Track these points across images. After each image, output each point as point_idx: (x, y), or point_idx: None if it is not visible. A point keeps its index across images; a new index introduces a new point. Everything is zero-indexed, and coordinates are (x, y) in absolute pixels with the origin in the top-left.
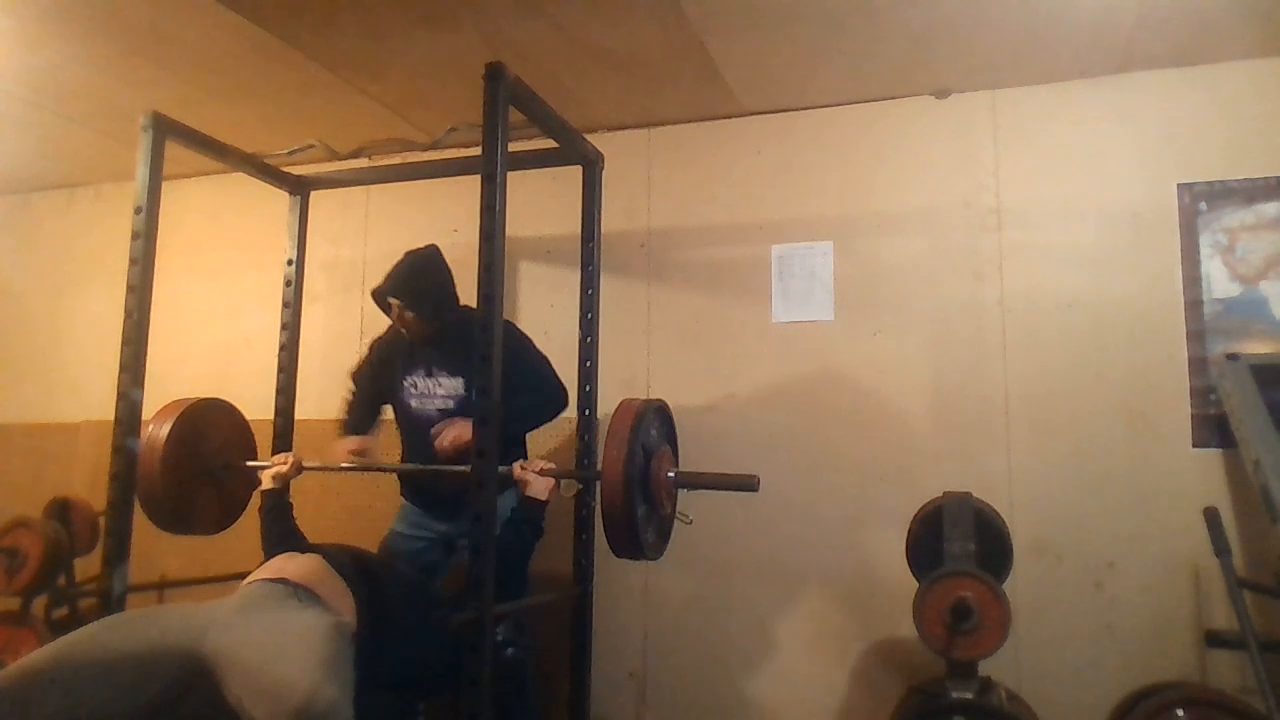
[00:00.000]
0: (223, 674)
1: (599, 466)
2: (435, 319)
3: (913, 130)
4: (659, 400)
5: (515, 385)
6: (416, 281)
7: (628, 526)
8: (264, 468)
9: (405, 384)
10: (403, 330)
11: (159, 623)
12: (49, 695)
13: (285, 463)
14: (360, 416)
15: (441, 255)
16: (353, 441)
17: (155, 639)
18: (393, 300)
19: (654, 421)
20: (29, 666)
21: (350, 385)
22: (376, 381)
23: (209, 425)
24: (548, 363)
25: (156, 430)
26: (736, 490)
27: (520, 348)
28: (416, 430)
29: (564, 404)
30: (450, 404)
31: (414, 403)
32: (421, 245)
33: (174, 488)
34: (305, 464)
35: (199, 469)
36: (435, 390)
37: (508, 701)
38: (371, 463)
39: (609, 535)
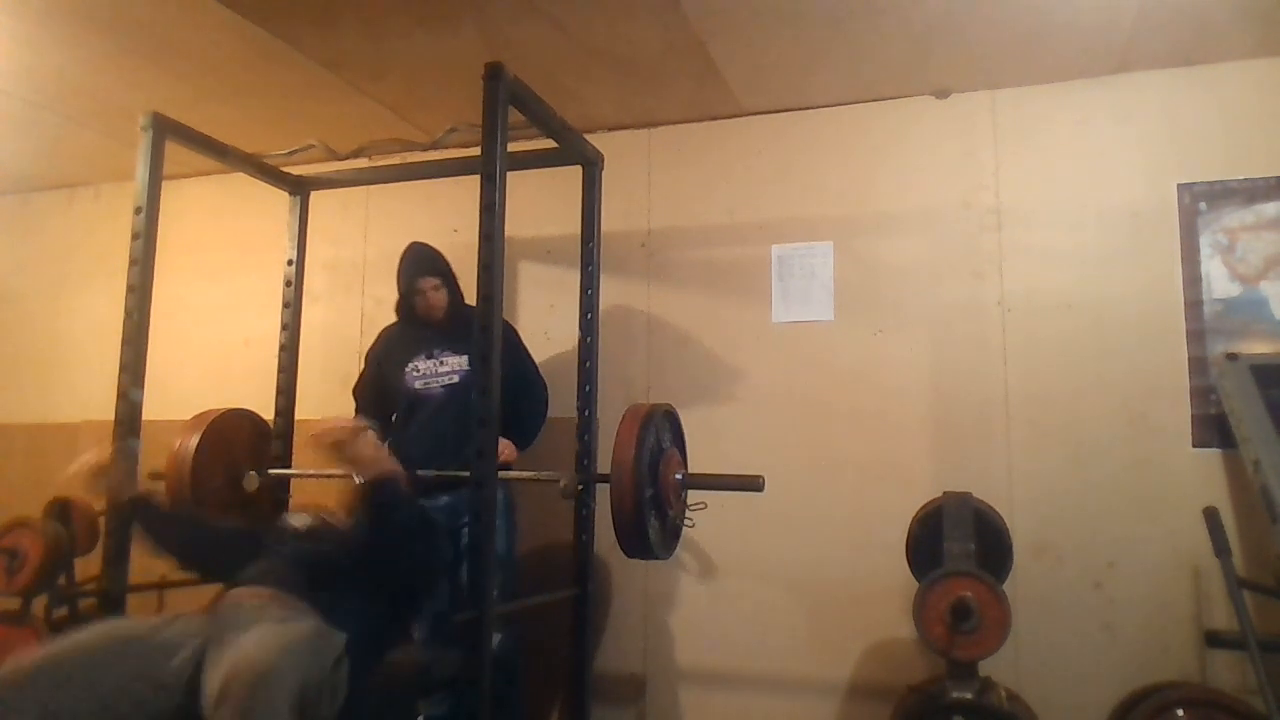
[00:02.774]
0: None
1: (599, 467)
2: (456, 297)
3: (913, 130)
4: (667, 405)
5: (514, 388)
6: (443, 263)
7: (637, 527)
8: (295, 475)
9: (407, 370)
10: (432, 312)
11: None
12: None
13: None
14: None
15: None
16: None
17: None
18: (426, 282)
19: (663, 424)
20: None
21: (355, 405)
22: (376, 383)
23: (234, 434)
24: (535, 367)
25: (185, 442)
26: (742, 490)
27: (519, 349)
28: (418, 411)
29: (546, 406)
30: (455, 378)
31: (418, 384)
32: (429, 242)
33: (201, 497)
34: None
35: (225, 478)
36: (438, 369)
37: (498, 693)
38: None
39: (619, 536)
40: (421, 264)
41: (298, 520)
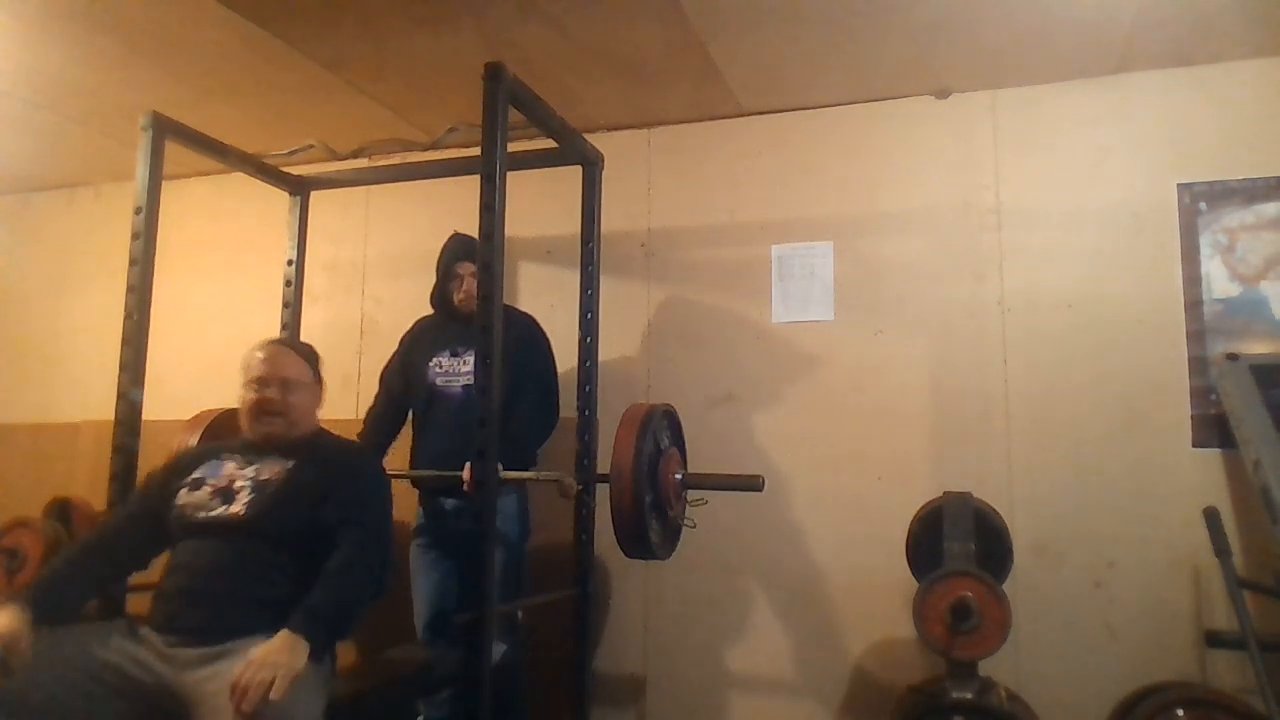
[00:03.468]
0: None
1: (599, 467)
2: None
3: (913, 130)
4: (666, 404)
5: (520, 386)
6: None
7: (637, 527)
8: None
9: (430, 364)
10: (467, 301)
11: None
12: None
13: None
14: (384, 420)
15: None
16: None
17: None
18: (464, 267)
19: (662, 424)
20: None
21: (379, 388)
22: (404, 372)
23: (233, 434)
24: (555, 377)
25: (185, 442)
26: (742, 490)
27: (539, 349)
28: (436, 407)
29: (554, 424)
30: (474, 379)
31: (440, 381)
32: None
33: None
34: None
35: None
36: (460, 369)
37: (499, 697)
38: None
39: (619, 536)
40: (461, 249)
41: (200, 510)
